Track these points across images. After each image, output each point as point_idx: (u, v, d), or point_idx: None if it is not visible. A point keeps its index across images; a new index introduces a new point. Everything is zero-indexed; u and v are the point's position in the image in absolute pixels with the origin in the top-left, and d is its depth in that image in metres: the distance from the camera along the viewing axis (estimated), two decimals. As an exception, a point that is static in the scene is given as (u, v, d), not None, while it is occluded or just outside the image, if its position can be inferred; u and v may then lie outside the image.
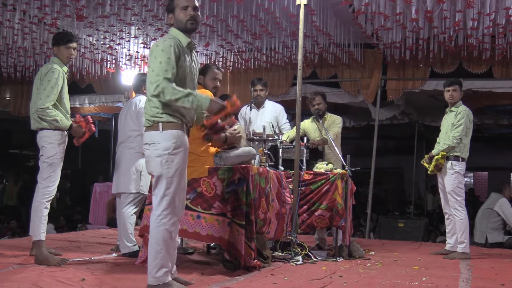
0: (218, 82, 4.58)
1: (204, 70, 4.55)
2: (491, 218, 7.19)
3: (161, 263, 3.24)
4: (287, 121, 6.16)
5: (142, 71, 8.91)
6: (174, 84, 3.25)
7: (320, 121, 5.77)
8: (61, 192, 13.53)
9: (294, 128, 5.53)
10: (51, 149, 4.36)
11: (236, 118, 6.36)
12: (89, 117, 4.61)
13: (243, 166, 4.22)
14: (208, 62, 8.60)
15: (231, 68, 8.99)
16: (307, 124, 5.98)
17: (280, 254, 4.81)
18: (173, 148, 3.27)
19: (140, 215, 5.00)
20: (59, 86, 4.36)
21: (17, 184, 13.34)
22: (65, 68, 4.51)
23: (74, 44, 4.55)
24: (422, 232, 8.28)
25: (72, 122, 4.45)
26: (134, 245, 4.85)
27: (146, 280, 3.30)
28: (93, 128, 4.61)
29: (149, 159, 3.33)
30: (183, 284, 3.46)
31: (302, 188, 5.10)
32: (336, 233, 5.15)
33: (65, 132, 4.44)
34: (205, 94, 4.21)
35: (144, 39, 7.94)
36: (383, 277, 4.09)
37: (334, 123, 5.87)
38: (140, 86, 5.15)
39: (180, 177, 3.34)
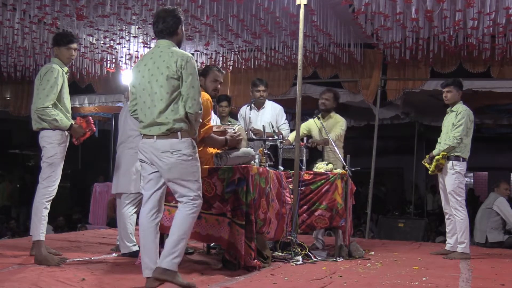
0: (219, 85, 4.49)
1: (205, 71, 4.47)
2: (491, 218, 7.19)
3: (181, 252, 3.41)
4: (286, 121, 6.15)
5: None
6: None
7: (321, 120, 5.76)
8: (63, 193, 13.54)
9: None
10: (51, 149, 4.35)
11: (235, 118, 6.37)
12: (90, 117, 4.61)
13: (243, 166, 4.22)
14: (209, 62, 8.60)
15: (231, 67, 8.98)
16: (312, 123, 5.96)
17: (280, 254, 4.81)
18: (195, 153, 3.52)
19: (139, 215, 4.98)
20: (58, 86, 4.35)
21: (17, 184, 13.35)
22: (65, 68, 4.51)
23: (74, 45, 4.55)
24: (422, 232, 8.28)
25: (72, 122, 4.44)
26: (134, 245, 4.85)
27: (146, 280, 3.29)
28: (94, 128, 4.61)
29: (173, 166, 3.43)
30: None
31: (302, 188, 5.09)
32: (336, 233, 5.14)
33: (66, 132, 4.43)
34: (205, 97, 4.22)
35: (144, 38, 7.94)
36: (383, 277, 4.09)
37: (338, 124, 5.86)
38: None
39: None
